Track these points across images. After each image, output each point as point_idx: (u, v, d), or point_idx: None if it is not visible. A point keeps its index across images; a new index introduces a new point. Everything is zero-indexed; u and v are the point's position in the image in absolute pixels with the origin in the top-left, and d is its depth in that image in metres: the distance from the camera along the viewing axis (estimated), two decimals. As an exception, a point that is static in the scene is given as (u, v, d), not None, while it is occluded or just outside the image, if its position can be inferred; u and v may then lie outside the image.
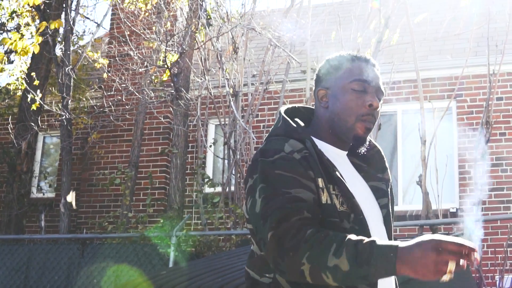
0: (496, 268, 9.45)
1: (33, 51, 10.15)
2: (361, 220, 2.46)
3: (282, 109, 2.72)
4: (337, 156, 2.62)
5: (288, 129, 2.58)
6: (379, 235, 2.52)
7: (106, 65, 10.74)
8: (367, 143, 2.68)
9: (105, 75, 11.05)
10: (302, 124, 2.68)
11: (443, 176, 9.56)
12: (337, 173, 2.48)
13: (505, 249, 9.21)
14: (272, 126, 2.66)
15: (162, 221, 9.80)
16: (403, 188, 11.17)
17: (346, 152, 2.69)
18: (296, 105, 2.83)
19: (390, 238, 2.64)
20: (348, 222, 2.42)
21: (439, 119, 9.42)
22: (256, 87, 10.36)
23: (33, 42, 9.69)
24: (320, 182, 2.43)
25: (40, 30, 9.62)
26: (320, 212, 2.40)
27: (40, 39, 9.59)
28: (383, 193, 2.69)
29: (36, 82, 10.62)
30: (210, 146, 10.67)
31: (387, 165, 2.76)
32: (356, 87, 2.60)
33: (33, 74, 10.79)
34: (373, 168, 2.73)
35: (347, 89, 2.61)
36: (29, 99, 10.34)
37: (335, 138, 2.64)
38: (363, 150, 2.66)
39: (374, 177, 2.71)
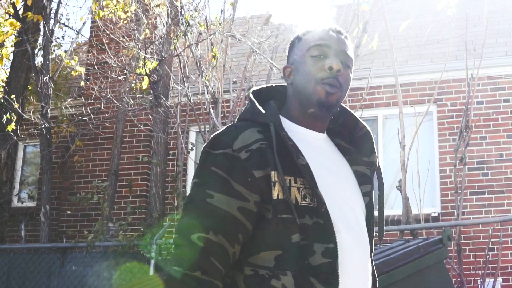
0: (477, 272, 9.45)
1: (12, 59, 10.11)
2: (323, 214, 2.28)
3: (253, 89, 2.56)
4: (313, 139, 2.47)
5: (254, 112, 2.43)
6: (349, 227, 2.37)
7: (83, 73, 10.68)
8: (335, 109, 2.50)
9: (82, 83, 10.99)
10: (274, 105, 2.46)
11: (424, 181, 9.57)
12: (301, 160, 2.30)
13: (486, 253, 9.21)
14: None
15: (142, 229, 9.77)
16: (385, 193, 11.14)
17: (324, 134, 2.53)
18: (275, 84, 2.65)
19: (370, 228, 2.47)
20: (311, 218, 2.26)
21: (420, 123, 9.43)
22: (238, 93, 10.33)
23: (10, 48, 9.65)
24: (273, 175, 2.27)
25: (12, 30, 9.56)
26: (252, 216, 2.28)
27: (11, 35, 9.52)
28: (366, 179, 2.52)
29: (16, 105, 10.55)
30: (188, 152, 10.63)
31: (375, 147, 2.56)
32: (315, 53, 2.45)
33: (13, 96, 10.72)
34: (361, 151, 2.55)
35: (306, 57, 2.46)
36: (4, 120, 10.28)
37: (307, 116, 2.47)
38: (328, 113, 2.49)
39: (359, 161, 2.54)
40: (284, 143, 2.33)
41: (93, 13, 10.57)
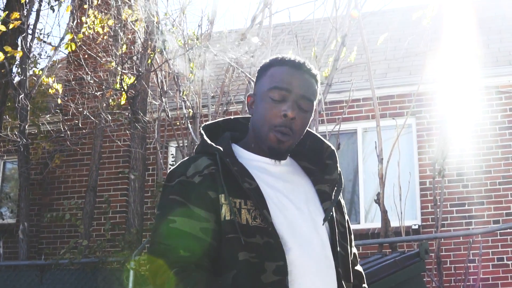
0: (458, 284, 9.46)
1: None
2: (272, 233, 2.37)
3: (205, 124, 2.68)
4: (269, 166, 2.55)
5: (204, 145, 2.55)
6: (305, 244, 2.44)
7: (60, 91, 10.61)
8: (285, 155, 2.59)
9: (59, 101, 10.93)
10: (227, 136, 2.59)
11: (404, 193, 9.58)
12: (247, 184, 2.40)
13: (466, 265, 9.22)
14: None
15: (121, 245, 9.72)
16: (365, 206, 11.16)
17: (285, 160, 2.60)
18: (238, 116, 2.76)
19: (334, 243, 2.54)
20: (262, 237, 2.36)
21: (397, 136, 9.43)
22: (216, 108, 10.32)
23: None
24: (221, 198, 2.39)
25: None
26: (215, 234, 2.37)
27: None
28: (326, 196, 2.59)
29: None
30: (169, 168, 10.59)
31: (338, 165, 2.65)
32: (274, 96, 2.49)
33: None
34: (325, 170, 2.63)
35: (265, 97, 2.51)
36: None
37: (264, 150, 2.55)
38: (280, 157, 2.57)
39: (321, 180, 2.62)
40: (228, 169, 2.44)
41: (72, 30, 10.54)
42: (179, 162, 2.54)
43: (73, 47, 9.97)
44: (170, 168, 10.80)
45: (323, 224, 2.53)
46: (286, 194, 2.50)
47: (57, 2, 10.81)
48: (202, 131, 2.60)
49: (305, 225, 2.48)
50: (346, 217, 2.71)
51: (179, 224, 2.35)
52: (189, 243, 2.33)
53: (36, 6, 11.37)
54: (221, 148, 2.48)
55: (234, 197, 2.40)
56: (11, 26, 9.92)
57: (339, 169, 2.65)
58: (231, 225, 2.36)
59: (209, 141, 2.53)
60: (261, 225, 2.38)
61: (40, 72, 10.97)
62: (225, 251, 2.36)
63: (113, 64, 10.29)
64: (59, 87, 10.23)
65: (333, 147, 2.67)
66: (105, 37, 10.82)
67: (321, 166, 2.65)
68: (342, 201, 2.72)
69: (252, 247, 2.34)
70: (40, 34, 11.62)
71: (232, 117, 2.75)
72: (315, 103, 2.58)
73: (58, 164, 11.95)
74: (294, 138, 2.52)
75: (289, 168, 2.62)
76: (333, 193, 2.62)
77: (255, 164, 2.52)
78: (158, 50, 9.82)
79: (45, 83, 10.57)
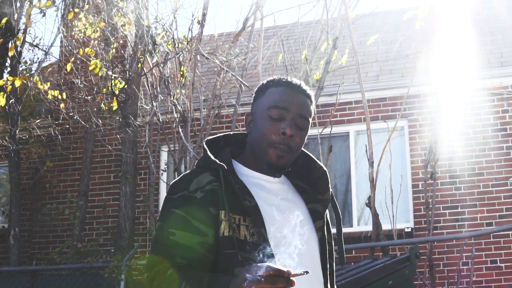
0: (451, 287, 9.43)
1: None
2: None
3: (207, 139, 2.76)
4: (266, 183, 2.65)
5: (206, 160, 2.63)
6: (298, 262, 2.46)
7: (58, 96, 10.58)
8: (283, 169, 2.67)
9: (62, 105, 10.87)
10: (228, 152, 2.69)
11: (397, 196, 9.55)
12: (247, 202, 2.50)
13: (459, 267, 9.19)
14: None
15: (113, 250, 9.69)
16: (358, 210, 11.13)
17: (280, 177, 2.70)
18: (237, 132, 2.89)
19: (324, 260, 2.66)
20: (258, 254, 2.42)
21: (391, 139, 9.41)
22: (208, 111, 10.28)
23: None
24: (221, 214, 2.49)
25: None
26: (213, 249, 2.47)
27: None
28: (318, 215, 2.70)
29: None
30: (162, 174, 10.56)
31: (330, 186, 2.76)
32: (273, 115, 2.60)
33: None
34: (317, 189, 2.73)
35: (264, 116, 2.62)
36: None
37: (261, 166, 2.65)
38: (277, 172, 2.66)
39: (314, 199, 2.72)
40: (230, 186, 2.55)
41: (63, 32, 10.51)
42: (181, 175, 2.64)
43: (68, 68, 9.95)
44: (162, 173, 10.79)
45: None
46: (282, 211, 2.59)
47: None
48: (206, 146, 2.70)
49: (299, 242, 2.53)
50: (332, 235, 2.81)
51: (178, 237, 2.45)
52: (186, 253, 2.43)
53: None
54: (224, 166, 2.57)
55: (234, 213, 2.50)
56: (17, 42, 9.92)
57: (331, 190, 2.76)
58: (230, 241, 2.47)
59: (213, 157, 2.62)
60: (258, 242, 2.48)
61: (35, 75, 10.92)
62: (221, 266, 2.46)
63: (104, 69, 10.23)
64: (56, 93, 10.17)
65: (324, 168, 2.77)
66: (96, 42, 10.78)
67: (313, 185, 2.75)
68: (329, 220, 2.81)
69: (249, 263, 2.39)
70: (34, 40, 11.60)
71: (231, 132, 2.86)
72: (310, 121, 2.68)
73: (50, 168, 11.90)
74: (291, 155, 2.63)
75: (284, 186, 2.73)
76: (326, 213, 2.74)
77: (253, 181, 2.62)
78: (148, 54, 9.79)
79: (38, 84, 10.49)
